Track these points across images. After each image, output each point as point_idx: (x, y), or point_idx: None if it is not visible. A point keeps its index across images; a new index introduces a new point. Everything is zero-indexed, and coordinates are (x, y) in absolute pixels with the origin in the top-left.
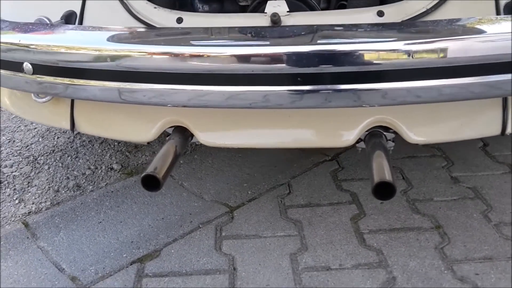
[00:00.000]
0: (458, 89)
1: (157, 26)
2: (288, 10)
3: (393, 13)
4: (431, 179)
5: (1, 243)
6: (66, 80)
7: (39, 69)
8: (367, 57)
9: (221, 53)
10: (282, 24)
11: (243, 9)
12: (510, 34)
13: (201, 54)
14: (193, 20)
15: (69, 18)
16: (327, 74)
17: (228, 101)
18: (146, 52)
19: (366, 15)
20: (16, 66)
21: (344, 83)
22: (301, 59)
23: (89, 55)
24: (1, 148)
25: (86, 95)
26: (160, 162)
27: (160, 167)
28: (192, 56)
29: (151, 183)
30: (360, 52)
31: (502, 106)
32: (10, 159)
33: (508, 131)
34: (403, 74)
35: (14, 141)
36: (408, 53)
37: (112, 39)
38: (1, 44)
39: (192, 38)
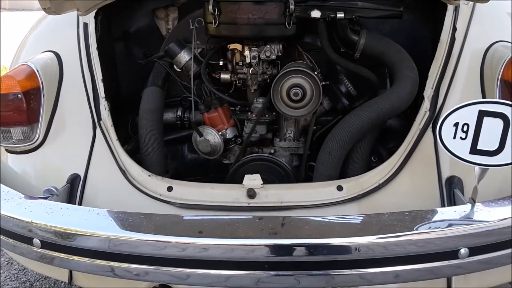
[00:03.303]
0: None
1: (150, 193)
2: (262, 183)
3: (350, 188)
4: None
5: None
6: (69, 256)
7: (47, 244)
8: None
9: (200, 243)
10: (256, 196)
11: (226, 166)
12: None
13: (184, 243)
14: (181, 189)
15: (74, 181)
16: (291, 263)
17: (207, 281)
18: (136, 239)
19: (328, 190)
20: (26, 240)
21: (309, 269)
22: (269, 251)
23: (89, 238)
24: (0, 271)
25: (85, 269)
26: None
27: None
28: (177, 244)
29: None
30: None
31: None
32: (8, 284)
33: None
34: (353, 263)
35: (12, 263)
36: (356, 248)
37: (107, 223)
38: (16, 220)
39: (176, 228)
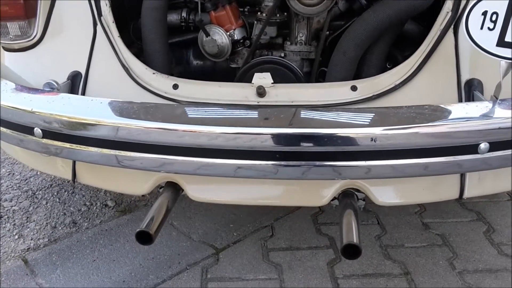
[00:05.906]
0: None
1: (155, 91)
2: (272, 82)
3: (365, 88)
4: (403, 225)
5: (2, 279)
6: (72, 146)
7: (48, 134)
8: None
9: (210, 131)
10: (266, 95)
11: (234, 72)
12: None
13: (192, 131)
14: (187, 87)
15: (75, 78)
16: (303, 153)
17: (215, 170)
18: (142, 127)
19: (342, 89)
20: (27, 130)
21: (319, 160)
22: (280, 140)
23: (93, 126)
24: (1, 181)
25: (89, 159)
26: (153, 217)
27: (153, 222)
28: (184, 132)
29: (145, 237)
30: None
31: (460, 174)
32: (10, 193)
33: (465, 195)
34: (369, 154)
35: (13, 174)
36: (372, 138)
37: (112, 111)
38: (16, 110)
39: (183, 116)
